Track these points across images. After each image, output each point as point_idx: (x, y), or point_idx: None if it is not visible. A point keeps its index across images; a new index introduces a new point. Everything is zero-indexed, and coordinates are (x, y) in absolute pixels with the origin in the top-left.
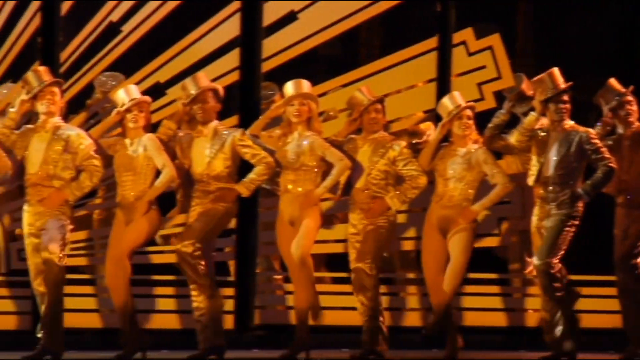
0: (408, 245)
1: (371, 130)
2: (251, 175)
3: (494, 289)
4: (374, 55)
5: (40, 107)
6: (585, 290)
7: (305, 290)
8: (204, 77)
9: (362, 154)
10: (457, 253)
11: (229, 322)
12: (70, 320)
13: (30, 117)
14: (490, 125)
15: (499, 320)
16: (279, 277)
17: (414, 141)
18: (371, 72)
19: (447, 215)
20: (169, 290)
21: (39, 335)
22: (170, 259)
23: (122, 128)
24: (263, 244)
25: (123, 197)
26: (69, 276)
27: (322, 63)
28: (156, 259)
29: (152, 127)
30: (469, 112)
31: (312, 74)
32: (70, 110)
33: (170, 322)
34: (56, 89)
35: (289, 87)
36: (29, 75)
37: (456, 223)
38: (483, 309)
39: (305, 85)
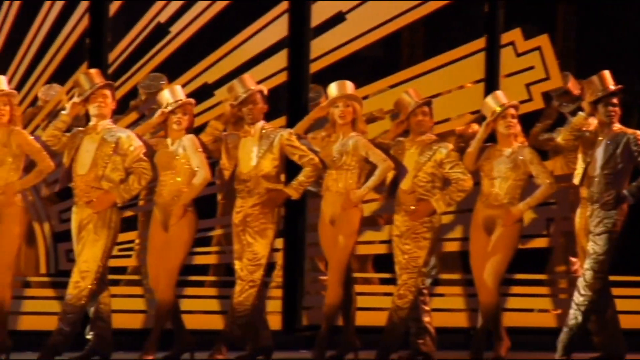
0: (453, 246)
1: (418, 132)
2: (300, 178)
3: (541, 289)
4: (417, 56)
5: (92, 109)
6: (623, 292)
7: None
8: (250, 78)
9: (409, 156)
10: (499, 251)
11: (276, 323)
12: (118, 321)
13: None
14: (538, 124)
15: (546, 321)
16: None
17: (461, 144)
18: (417, 73)
19: (493, 215)
20: (212, 291)
21: (88, 336)
22: (212, 259)
23: (165, 129)
24: (310, 245)
25: (161, 196)
26: (116, 277)
27: (365, 64)
28: (198, 259)
29: (196, 129)
30: (512, 111)
31: (357, 76)
32: (119, 111)
33: (217, 322)
34: (108, 92)
35: (333, 89)
36: (81, 78)
37: (501, 223)
38: (530, 310)
39: (349, 86)
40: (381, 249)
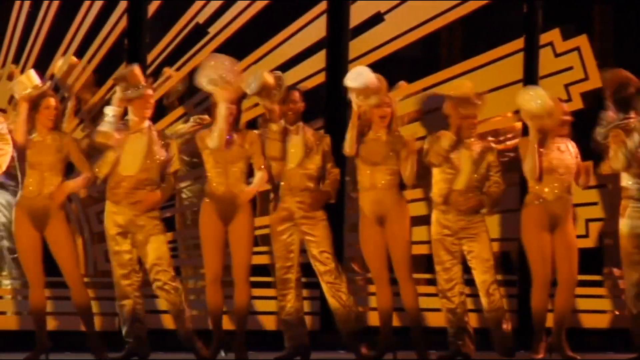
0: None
1: (468, 135)
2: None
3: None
4: (455, 56)
5: (136, 110)
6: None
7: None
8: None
9: (462, 158)
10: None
11: (314, 323)
12: (156, 322)
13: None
14: (602, 123)
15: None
16: (360, 278)
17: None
18: (455, 74)
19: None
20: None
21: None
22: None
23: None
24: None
25: (216, 189)
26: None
27: (404, 65)
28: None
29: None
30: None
31: (395, 76)
32: (157, 112)
33: (268, 323)
34: (151, 92)
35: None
36: (127, 75)
37: (561, 218)
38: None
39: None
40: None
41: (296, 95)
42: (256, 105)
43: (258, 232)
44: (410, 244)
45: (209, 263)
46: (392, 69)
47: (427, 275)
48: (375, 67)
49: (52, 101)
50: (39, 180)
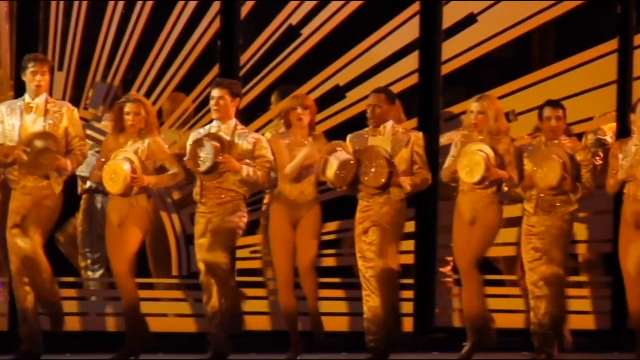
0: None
1: (552, 137)
2: (416, 181)
3: None
4: (547, 57)
5: (215, 113)
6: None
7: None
8: None
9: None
10: None
11: (408, 324)
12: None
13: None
14: None
15: None
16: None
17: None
18: (548, 75)
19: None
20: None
21: None
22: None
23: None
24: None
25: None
26: (242, 279)
27: (496, 66)
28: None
29: (329, 131)
30: None
31: (487, 77)
32: (251, 113)
33: (341, 324)
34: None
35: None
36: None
37: None
38: None
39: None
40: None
41: (382, 97)
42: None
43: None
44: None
45: (279, 267)
46: (485, 70)
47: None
48: (467, 68)
49: (132, 107)
50: None
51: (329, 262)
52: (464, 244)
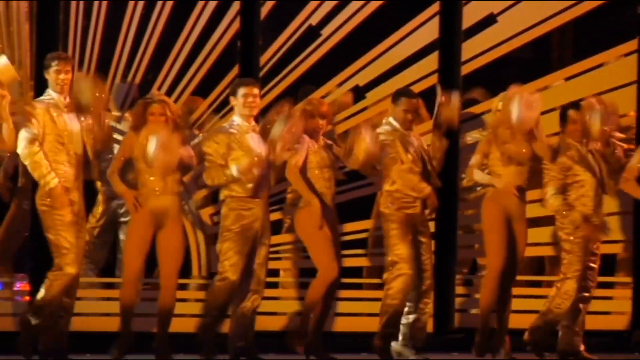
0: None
1: (579, 139)
2: None
3: None
4: (566, 58)
5: (243, 109)
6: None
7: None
8: None
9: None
10: None
11: (428, 324)
12: (265, 323)
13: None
14: None
15: None
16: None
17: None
18: (567, 75)
19: None
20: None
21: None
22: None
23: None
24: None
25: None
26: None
27: (516, 66)
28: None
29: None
30: None
31: (507, 78)
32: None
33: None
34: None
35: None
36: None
37: None
38: None
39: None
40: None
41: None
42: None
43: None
44: None
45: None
46: (505, 70)
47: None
48: (487, 68)
49: (158, 108)
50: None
51: (355, 262)
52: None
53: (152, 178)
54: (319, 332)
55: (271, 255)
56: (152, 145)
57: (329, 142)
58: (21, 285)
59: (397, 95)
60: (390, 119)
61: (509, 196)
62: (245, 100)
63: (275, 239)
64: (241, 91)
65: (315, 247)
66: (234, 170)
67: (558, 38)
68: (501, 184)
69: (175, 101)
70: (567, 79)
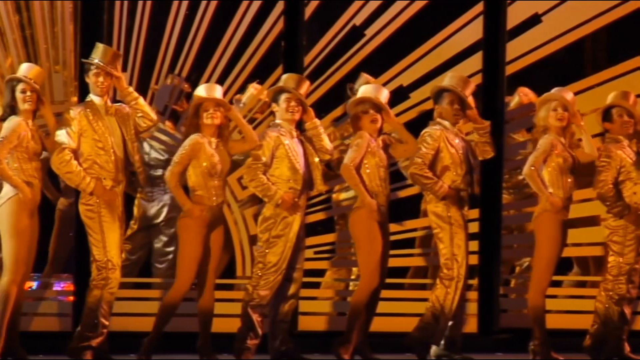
0: None
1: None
2: None
3: None
4: (600, 59)
5: (286, 114)
6: None
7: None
8: None
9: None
10: None
11: (472, 325)
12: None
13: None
14: None
15: None
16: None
17: None
18: (602, 79)
19: None
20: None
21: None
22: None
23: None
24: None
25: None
26: (310, 280)
27: (560, 66)
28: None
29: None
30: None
31: (551, 78)
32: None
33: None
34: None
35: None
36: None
37: None
38: None
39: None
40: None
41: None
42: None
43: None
44: None
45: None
46: (549, 70)
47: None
48: (532, 68)
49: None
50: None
51: (400, 262)
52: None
53: (210, 183)
54: (365, 335)
55: (315, 255)
56: (208, 150)
57: (388, 140)
58: (65, 285)
59: (438, 92)
60: (438, 119)
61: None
62: (288, 105)
63: (320, 239)
64: (283, 96)
65: (364, 251)
66: (276, 196)
67: (591, 42)
68: (557, 204)
69: None
70: (601, 83)
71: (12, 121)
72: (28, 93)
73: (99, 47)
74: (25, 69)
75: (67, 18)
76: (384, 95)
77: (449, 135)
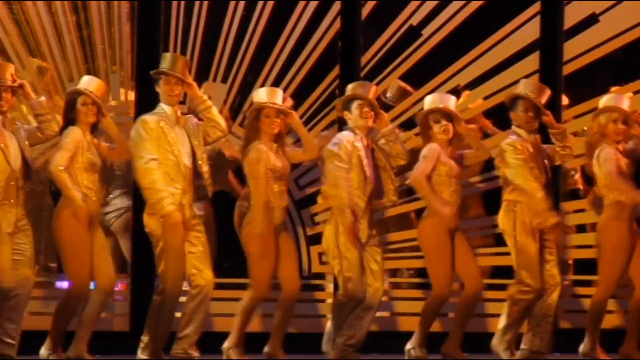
0: None
1: None
2: None
3: None
4: None
5: (359, 121)
6: None
7: None
8: None
9: None
10: None
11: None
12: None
13: None
14: None
15: None
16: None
17: None
18: None
19: None
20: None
21: None
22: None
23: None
24: None
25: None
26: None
27: (619, 66)
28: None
29: None
30: None
31: (608, 78)
32: None
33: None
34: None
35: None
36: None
37: None
38: None
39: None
40: None
41: None
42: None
43: None
44: None
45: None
46: (607, 70)
47: None
48: (589, 68)
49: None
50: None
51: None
52: None
53: (275, 188)
54: (459, 334)
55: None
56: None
57: (461, 151)
58: (122, 286)
59: (513, 99)
60: (513, 127)
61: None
62: (361, 111)
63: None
64: (355, 103)
65: (433, 261)
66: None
67: None
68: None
69: None
70: None
71: (70, 131)
72: (89, 106)
73: (168, 56)
74: (86, 82)
75: (124, 18)
76: (452, 103)
77: (527, 145)
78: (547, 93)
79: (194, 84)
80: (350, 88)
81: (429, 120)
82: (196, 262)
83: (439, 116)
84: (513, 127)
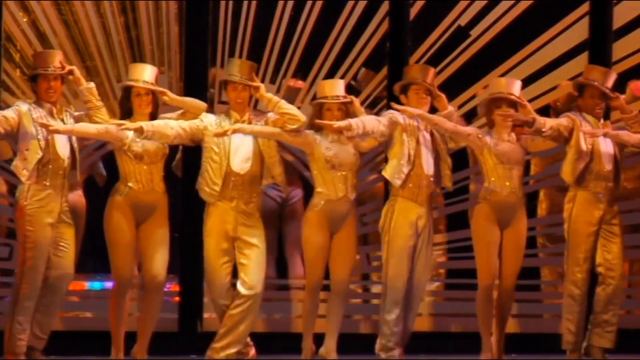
0: None
1: None
2: None
3: None
4: None
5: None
6: None
7: None
8: None
9: None
10: None
11: None
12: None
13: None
14: None
15: None
16: None
17: None
18: None
19: None
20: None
21: None
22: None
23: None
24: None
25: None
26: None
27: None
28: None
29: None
30: None
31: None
32: None
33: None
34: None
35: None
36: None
37: None
38: None
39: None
40: None
41: None
42: None
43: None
44: None
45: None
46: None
47: None
48: (637, 69)
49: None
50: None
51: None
52: None
53: (328, 176)
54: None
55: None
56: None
57: (520, 136)
58: (171, 286)
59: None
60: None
61: None
62: (418, 96)
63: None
64: (412, 88)
65: (478, 248)
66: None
67: None
68: None
69: None
70: None
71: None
72: (143, 96)
73: (235, 62)
74: (138, 72)
75: (172, 19)
76: (516, 88)
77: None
78: (613, 76)
79: (261, 85)
80: (407, 71)
81: (492, 106)
82: None
83: (501, 102)
84: (583, 113)
